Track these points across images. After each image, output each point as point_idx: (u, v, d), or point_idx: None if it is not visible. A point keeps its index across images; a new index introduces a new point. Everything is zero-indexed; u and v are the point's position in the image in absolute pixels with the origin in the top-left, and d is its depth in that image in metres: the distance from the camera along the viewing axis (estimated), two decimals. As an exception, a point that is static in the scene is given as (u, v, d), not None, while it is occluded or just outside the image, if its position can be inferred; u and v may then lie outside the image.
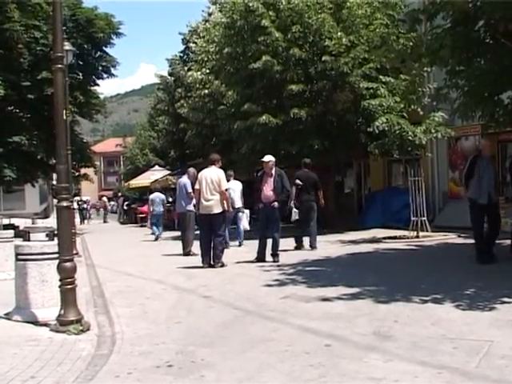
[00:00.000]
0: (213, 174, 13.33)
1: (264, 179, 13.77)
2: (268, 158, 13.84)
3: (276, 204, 13.48)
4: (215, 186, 13.15)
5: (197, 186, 13.56)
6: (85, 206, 52.73)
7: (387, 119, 18.11)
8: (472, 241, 15.70)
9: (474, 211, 11.85)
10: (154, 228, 24.98)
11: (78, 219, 39.11)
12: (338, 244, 17.20)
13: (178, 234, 18.65)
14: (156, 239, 24.25)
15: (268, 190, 13.60)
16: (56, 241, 7.55)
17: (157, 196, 25.71)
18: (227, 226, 16.63)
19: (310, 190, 16.12)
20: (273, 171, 13.71)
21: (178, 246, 17.19)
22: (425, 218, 17.53)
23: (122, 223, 46.37)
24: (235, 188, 17.61)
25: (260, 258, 13.62)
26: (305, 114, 19.52)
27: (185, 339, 6.70)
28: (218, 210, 13.17)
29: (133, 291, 10.54)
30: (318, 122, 20.39)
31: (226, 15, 22.51)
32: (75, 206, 39.38)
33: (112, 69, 31.14)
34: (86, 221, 50.75)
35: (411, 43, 12.75)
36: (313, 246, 15.86)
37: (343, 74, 19.36)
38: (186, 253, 16.33)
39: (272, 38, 19.84)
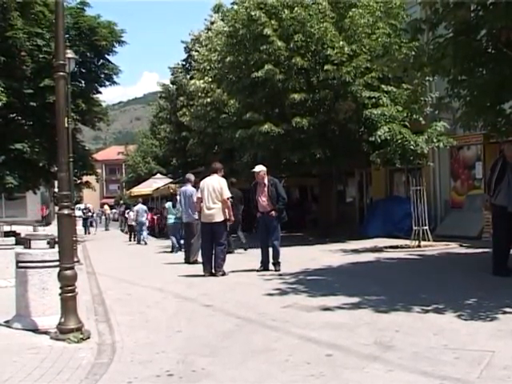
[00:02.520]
0: (215, 182, 13.32)
1: (258, 189, 13.70)
2: (259, 168, 13.77)
3: (273, 213, 13.45)
4: (217, 194, 13.14)
5: (199, 195, 13.54)
6: (90, 214, 48.23)
7: (389, 128, 18.10)
8: (474, 250, 15.80)
9: (503, 219, 11.16)
10: (144, 233, 29.25)
11: (80, 226, 37.98)
12: (340, 253, 17.18)
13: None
14: (138, 242, 28.94)
15: (264, 199, 13.55)
16: (57, 248, 7.54)
17: (140, 207, 30.08)
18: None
19: (238, 205, 18.15)
20: (265, 181, 13.65)
21: (178, 255, 17.17)
22: (426, 228, 17.48)
23: (123, 231, 46.33)
24: None
25: (266, 267, 13.58)
26: (307, 123, 19.52)
27: (185, 348, 6.67)
28: (219, 218, 13.15)
29: (133, 299, 10.52)
30: (320, 131, 20.40)
31: (229, 24, 22.57)
32: (79, 213, 39.06)
33: (114, 77, 31.32)
34: (92, 229, 46.55)
35: (413, 53, 12.72)
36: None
37: (345, 83, 19.39)
38: (193, 261, 16.31)
39: (274, 47, 19.86)
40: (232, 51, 21.99)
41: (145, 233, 29.31)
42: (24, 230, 24.70)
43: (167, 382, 5.51)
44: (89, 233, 43.50)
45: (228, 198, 13.35)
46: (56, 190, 27.37)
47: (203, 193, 13.28)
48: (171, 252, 21.15)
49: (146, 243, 28.21)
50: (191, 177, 17.36)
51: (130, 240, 32.71)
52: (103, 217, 60.42)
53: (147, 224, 31.31)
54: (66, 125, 7.86)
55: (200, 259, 15.25)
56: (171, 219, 22.26)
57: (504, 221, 11.13)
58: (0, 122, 26.73)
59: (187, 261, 16.55)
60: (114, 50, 30.42)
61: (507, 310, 7.82)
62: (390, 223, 21.78)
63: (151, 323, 8.20)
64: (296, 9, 19.91)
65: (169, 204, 23.83)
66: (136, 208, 30.66)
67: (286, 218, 14.09)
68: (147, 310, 9.23)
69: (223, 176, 13.83)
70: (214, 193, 13.15)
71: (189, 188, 16.89)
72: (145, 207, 30.52)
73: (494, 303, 8.29)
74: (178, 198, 19.50)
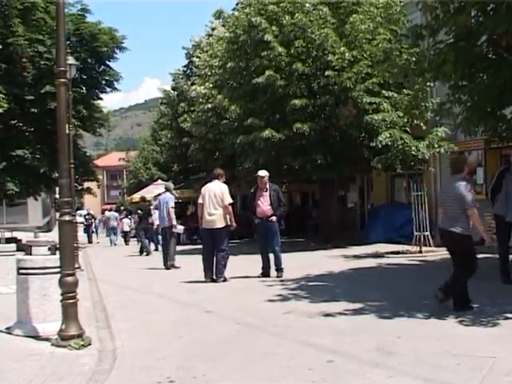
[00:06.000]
0: (216, 188, 13.30)
1: (258, 194, 13.64)
2: (264, 172, 13.74)
3: (274, 218, 13.43)
4: (218, 200, 13.12)
5: (200, 201, 13.47)
6: (93, 221, 43.59)
7: (390, 134, 18.11)
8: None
9: (501, 229, 11.24)
10: (113, 237, 35.25)
11: (81, 233, 37.12)
12: (341, 259, 17.17)
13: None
14: (111, 244, 34.34)
15: (265, 204, 13.50)
16: (58, 255, 7.53)
17: (111, 214, 36.82)
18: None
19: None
20: (267, 186, 13.65)
21: (181, 261, 17.21)
22: (428, 233, 17.48)
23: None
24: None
25: (266, 273, 13.55)
26: (308, 129, 19.52)
27: (187, 354, 6.67)
28: (220, 224, 13.12)
29: (134, 305, 10.51)
30: (321, 137, 20.40)
31: (230, 30, 22.61)
32: (81, 219, 38.71)
33: (115, 83, 31.32)
34: (94, 237, 42.90)
35: (414, 58, 12.75)
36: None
37: (346, 88, 19.39)
38: (169, 266, 16.96)
39: (275, 53, 19.88)
40: (233, 57, 22.03)
41: (113, 236, 35.22)
42: (25, 237, 24.72)
43: (168, 388, 5.51)
44: (91, 241, 40.24)
45: (229, 204, 13.34)
46: (57, 196, 27.40)
47: (204, 198, 13.25)
48: (144, 253, 24.71)
49: (115, 244, 34.04)
50: (170, 185, 18.74)
51: (127, 245, 34.61)
52: (104, 223, 59.88)
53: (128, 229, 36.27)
54: (67, 131, 7.87)
55: (177, 264, 16.93)
56: (143, 224, 26.50)
57: (502, 230, 11.18)
58: (1, 129, 26.70)
59: (165, 266, 17.06)
60: (115, 57, 30.46)
61: (509, 315, 7.82)
62: (391, 229, 21.75)
63: (152, 329, 8.19)
64: (297, 15, 19.94)
65: (141, 212, 28.98)
66: (108, 215, 37.75)
67: (283, 225, 14.08)
68: (148, 316, 9.22)
69: (225, 182, 13.82)
70: (215, 198, 13.13)
71: (167, 195, 17.47)
72: (116, 214, 36.77)
73: (495, 309, 8.29)
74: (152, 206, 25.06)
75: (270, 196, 13.50)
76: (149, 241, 26.06)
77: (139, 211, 26.81)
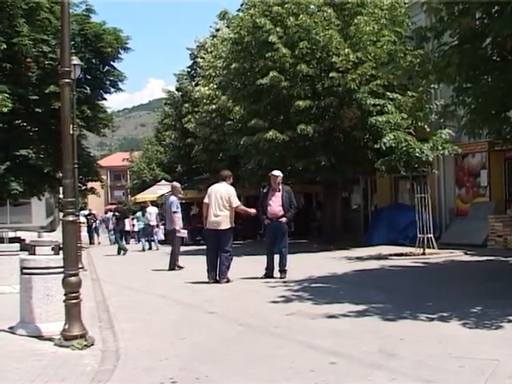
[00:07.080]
0: (223, 189, 13.26)
1: (270, 194, 13.63)
2: (278, 172, 13.73)
3: (284, 219, 13.41)
4: (224, 202, 13.08)
5: (206, 201, 13.43)
6: (93, 221, 41.34)
7: (394, 136, 18.10)
8: (478, 258, 15.77)
9: None
10: (111, 236, 35.10)
11: (84, 233, 36.72)
12: (345, 260, 17.16)
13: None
14: (110, 243, 34.59)
15: (276, 205, 13.48)
16: (61, 255, 7.53)
17: (111, 214, 36.06)
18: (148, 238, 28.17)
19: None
20: (280, 187, 13.64)
21: (185, 261, 17.21)
22: (431, 235, 17.45)
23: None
24: (152, 212, 27.20)
25: (269, 274, 13.53)
26: (312, 130, 19.52)
27: (189, 355, 6.66)
28: (225, 225, 13.09)
29: (137, 306, 10.51)
30: (325, 138, 20.40)
31: (234, 31, 22.60)
32: (83, 220, 38.55)
33: (119, 83, 31.32)
34: (97, 238, 41.49)
35: (418, 60, 12.73)
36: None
37: (350, 90, 19.39)
38: (171, 268, 16.84)
39: (279, 54, 19.88)
40: (237, 58, 22.04)
41: (113, 236, 34.25)
42: (29, 236, 24.75)
43: (171, 389, 5.51)
44: (93, 243, 39.22)
45: (237, 207, 13.32)
46: (61, 196, 27.45)
47: (210, 199, 13.22)
48: (122, 253, 25.59)
49: (112, 243, 34.02)
50: (176, 186, 18.13)
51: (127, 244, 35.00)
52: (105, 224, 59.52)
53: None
54: (71, 131, 7.87)
55: (181, 264, 16.85)
56: (141, 225, 28.67)
57: None
58: (5, 128, 26.71)
59: (168, 266, 17.00)
60: (120, 57, 30.47)
61: (512, 318, 7.80)
62: (394, 231, 21.75)
63: (155, 330, 8.19)
64: (301, 16, 19.94)
65: (139, 213, 31.51)
66: (107, 215, 38.72)
67: (293, 227, 14.07)
68: (151, 317, 9.22)
69: (231, 184, 13.78)
70: (221, 200, 13.10)
71: (171, 198, 17.52)
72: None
73: (498, 311, 8.27)
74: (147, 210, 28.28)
75: (282, 197, 13.49)
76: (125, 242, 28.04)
77: (116, 213, 27.08)
